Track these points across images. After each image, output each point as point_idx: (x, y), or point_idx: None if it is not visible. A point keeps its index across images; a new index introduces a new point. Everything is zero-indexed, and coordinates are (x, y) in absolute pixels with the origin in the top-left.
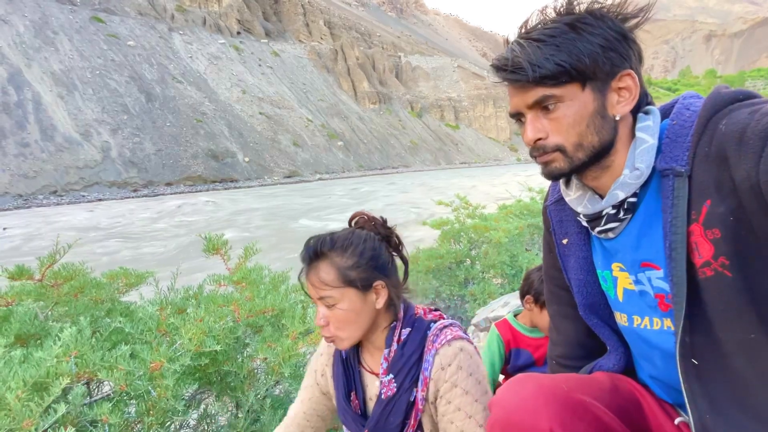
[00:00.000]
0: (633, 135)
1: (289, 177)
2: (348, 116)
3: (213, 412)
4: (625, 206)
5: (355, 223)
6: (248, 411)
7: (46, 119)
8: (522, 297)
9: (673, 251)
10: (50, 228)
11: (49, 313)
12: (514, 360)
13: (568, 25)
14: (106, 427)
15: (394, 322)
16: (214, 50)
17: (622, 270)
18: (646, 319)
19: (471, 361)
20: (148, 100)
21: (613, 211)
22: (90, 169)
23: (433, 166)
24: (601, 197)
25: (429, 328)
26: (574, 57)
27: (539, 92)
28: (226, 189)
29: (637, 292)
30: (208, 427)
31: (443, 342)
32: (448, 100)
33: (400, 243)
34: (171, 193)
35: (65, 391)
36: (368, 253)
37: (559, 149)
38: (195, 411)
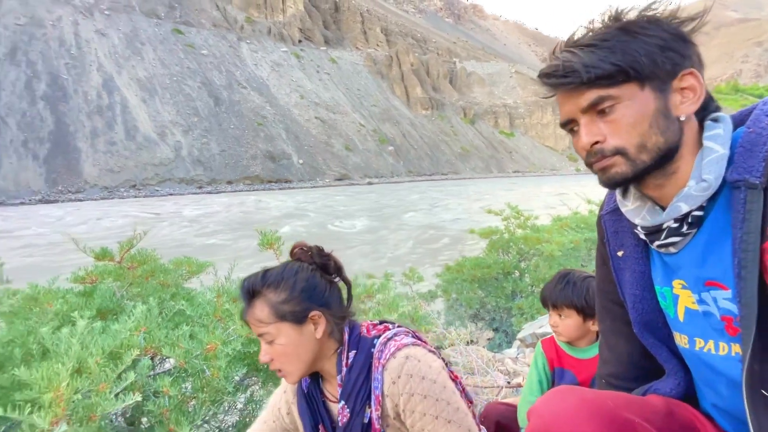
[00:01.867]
0: (700, 143)
1: (339, 180)
2: (399, 121)
3: (258, 398)
4: (690, 220)
5: (292, 255)
6: None
7: (130, 120)
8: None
9: (743, 270)
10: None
11: (125, 292)
12: (558, 380)
13: (621, 29)
14: (167, 399)
15: (341, 347)
16: (277, 57)
17: (684, 288)
18: (711, 342)
19: (420, 364)
20: (215, 104)
21: (675, 225)
22: (164, 167)
23: (484, 174)
24: (662, 208)
25: (373, 345)
26: (630, 57)
27: (594, 94)
28: (280, 189)
29: (701, 313)
30: (252, 412)
31: (388, 356)
32: (503, 107)
33: (339, 267)
34: (231, 191)
35: (134, 362)
36: (300, 284)
37: (620, 152)
38: (242, 395)
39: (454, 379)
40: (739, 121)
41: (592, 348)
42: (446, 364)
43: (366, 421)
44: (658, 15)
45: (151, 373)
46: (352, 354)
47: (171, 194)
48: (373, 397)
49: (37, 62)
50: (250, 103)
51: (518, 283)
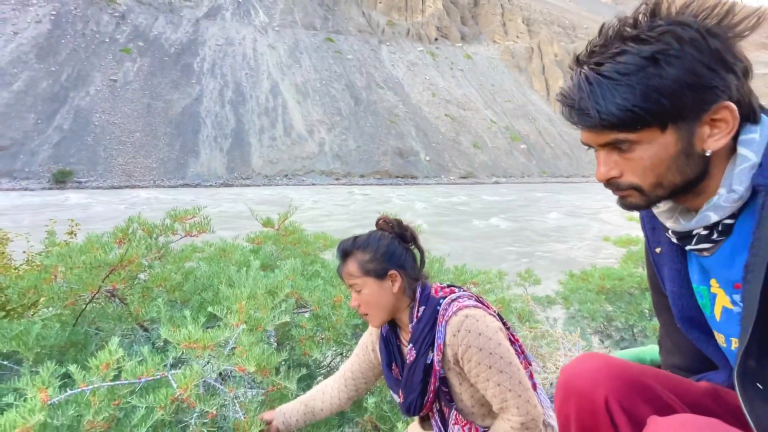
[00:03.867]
0: (734, 148)
1: (464, 178)
2: (536, 117)
3: None
4: (720, 228)
5: (377, 225)
6: None
7: (288, 120)
8: None
9: (749, 273)
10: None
11: (279, 254)
12: None
13: (647, 58)
14: (304, 330)
15: (413, 303)
16: (413, 57)
17: (720, 287)
18: None
19: (478, 323)
20: (355, 104)
21: (705, 232)
22: (310, 160)
23: None
24: (696, 212)
25: (439, 303)
26: (652, 100)
27: (611, 136)
28: (406, 185)
29: (736, 313)
30: None
31: (450, 314)
32: None
33: (414, 237)
34: (363, 184)
35: (285, 300)
36: (381, 249)
37: (635, 188)
38: (355, 344)
39: (514, 340)
40: None
41: None
42: (506, 327)
43: (428, 362)
44: (699, 18)
45: (295, 311)
46: (421, 309)
47: (314, 184)
48: (435, 345)
49: (227, 74)
50: (385, 103)
51: None
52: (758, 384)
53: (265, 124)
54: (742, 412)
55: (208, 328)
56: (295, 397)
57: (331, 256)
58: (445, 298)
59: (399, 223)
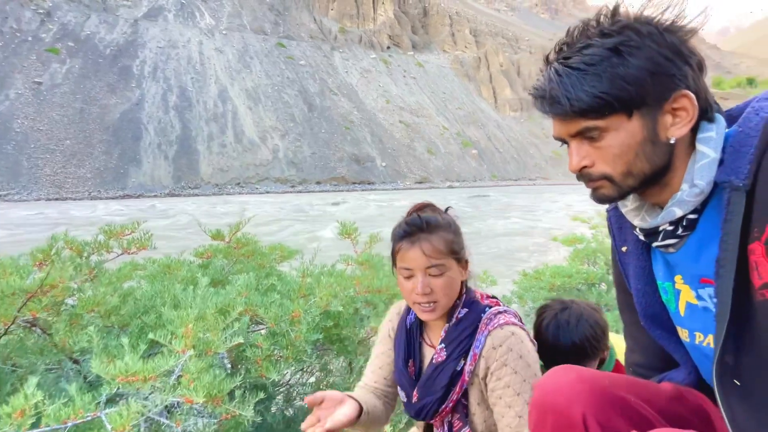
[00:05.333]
0: (694, 146)
1: (420, 183)
2: (485, 124)
3: (331, 368)
4: (684, 223)
5: (428, 211)
6: (357, 373)
7: (238, 126)
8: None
9: (721, 268)
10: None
11: (231, 268)
12: None
13: (610, 49)
14: (260, 350)
15: (457, 301)
16: (366, 64)
17: (684, 283)
18: (710, 336)
19: (522, 345)
20: (309, 110)
21: (671, 228)
22: (263, 167)
23: (577, 180)
24: (662, 209)
25: (484, 311)
26: (617, 86)
27: (581, 124)
28: (363, 190)
29: (701, 308)
30: (326, 377)
31: (496, 325)
32: None
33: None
34: (319, 191)
35: (238, 319)
36: (459, 233)
37: (606, 178)
38: (318, 362)
39: None
40: (734, 117)
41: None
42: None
43: (458, 369)
44: (654, 21)
45: (249, 330)
46: (464, 311)
47: (268, 192)
48: (471, 353)
49: (171, 78)
50: (339, 109)
51: (603, 296)
52: (735, 380)
53: (214, 130)
54: (704, 411)
55: (150, 355)
56: (253, 424)
57: (288, 268)
58: (491, 307)
59: (447, 210)
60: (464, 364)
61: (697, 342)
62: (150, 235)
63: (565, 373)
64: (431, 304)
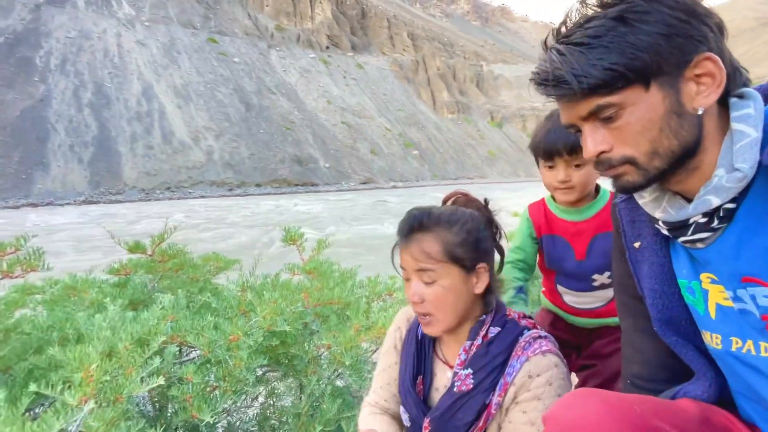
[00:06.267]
0: (725, 126)
1: (364, 183)
2: (425, 125)
3: (279, 391)
4: (721, 213)
5: (454, 202)
6: (309, 395)
7: (167, 126)
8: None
9: None
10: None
11: (156, 284)
12: (549, 249)
13: (615, 18)
14: (190, 386)
15: (484, 315)
16: (305, 64)
17: (713, 282)
18: (750, 343)
19: (562, 382)
20: (246, 110)
21: (704, 220)
22: (196, 170)
23: (512, 177)
24: (686, 199)
25: (521, 334)
26: (629, 55)
27: (592, 103)
28: (307, 192)
29: (737, 311)
30: (273, 405)
31: (536, 351)
32: (531, 110)
33: (500, 230)
34: (259, 194)
35: (161, 350)
36: (474, 233)
37: (629, 161)
38: (263, 387)
39: None
40: (765, 97)
41: (591, 206)
42: None
43: (486, 402)
44: None
45: (177, 361)
46: (495, 329)
47: (203, 196)
48: (501, 381)
49: (84, 72)
50: (279, 109)
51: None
52: None
53: (137, 130)
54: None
55: (38, 408)
56: None
57: (224, 280)
58: (529, 329)
59: (486, 203)
60: (493, 397)
61: (733, 349)
62: (41, 252)
63: (584, 401)
64: (426, 317)
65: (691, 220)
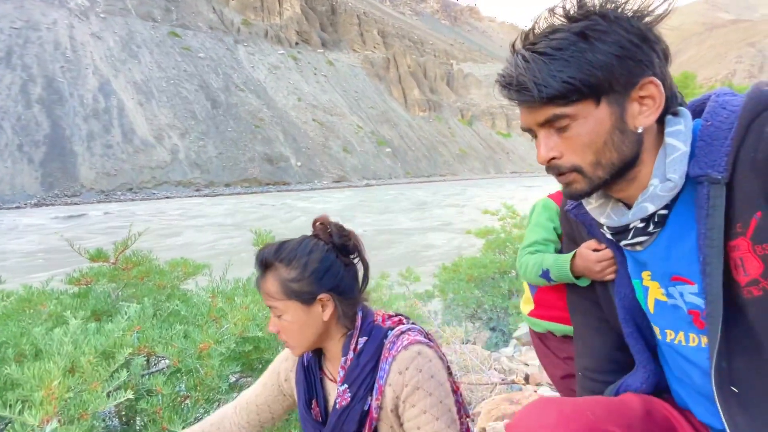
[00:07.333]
0: (661, 140)
1: (337, 182)
2: (397, 123)
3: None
4: (656, 219)
5: (314, 228)
6: None
7: (127, 124)
8: None
9: (707, 266)
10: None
11: (120, 293)
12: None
13: (578, 34)
14: (160, 397)
15: (351, 331)
16: (274, 60)
17: (652, 279)
18: (681, 334)
19: (431, 364)
20: (213, 107)
21: (642, 225)
22: (161, 170)
23: (482, 174)
24: (627, 206)
25: (386, 336)
26: (585, 71)
27: (549, 111)
28: (278, 191)
29: (670, 305)
30: None
31: (399, 348)
32: (500, 108)
33: (358, 247)
34: (229, 194)
35: (128, 362)
36: (312, 265)
37: (576, 170)
38: (237, 394)
39: (455, 390)
40: (695, 111)
41: None
42: (450, 374)
43: (366, 408)
44: (620, 8)
45: (145, 372)
46: (362, 340)
47: (168, 197)
48: (376, 386)
49: (33, 66)
50: (247, 106)
51: (514, 282)
52: (733, 387)
53: (95, 128)
54: (670, 423)
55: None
56: None
57: (193, 286)
58: (392, 329)
59: (339, 229)
60: (371, 401)
61: (668, 340)
62: None
63: (542, 410)
64: (287, 343)
65: (631, 225)
